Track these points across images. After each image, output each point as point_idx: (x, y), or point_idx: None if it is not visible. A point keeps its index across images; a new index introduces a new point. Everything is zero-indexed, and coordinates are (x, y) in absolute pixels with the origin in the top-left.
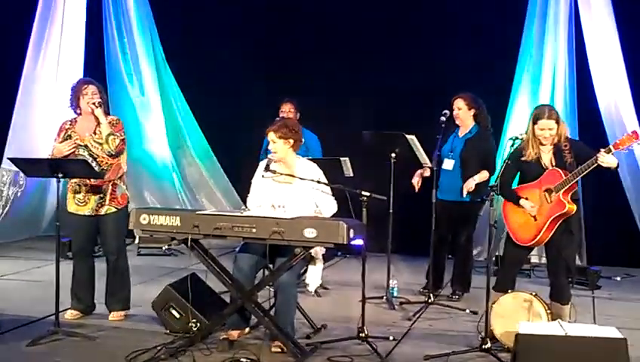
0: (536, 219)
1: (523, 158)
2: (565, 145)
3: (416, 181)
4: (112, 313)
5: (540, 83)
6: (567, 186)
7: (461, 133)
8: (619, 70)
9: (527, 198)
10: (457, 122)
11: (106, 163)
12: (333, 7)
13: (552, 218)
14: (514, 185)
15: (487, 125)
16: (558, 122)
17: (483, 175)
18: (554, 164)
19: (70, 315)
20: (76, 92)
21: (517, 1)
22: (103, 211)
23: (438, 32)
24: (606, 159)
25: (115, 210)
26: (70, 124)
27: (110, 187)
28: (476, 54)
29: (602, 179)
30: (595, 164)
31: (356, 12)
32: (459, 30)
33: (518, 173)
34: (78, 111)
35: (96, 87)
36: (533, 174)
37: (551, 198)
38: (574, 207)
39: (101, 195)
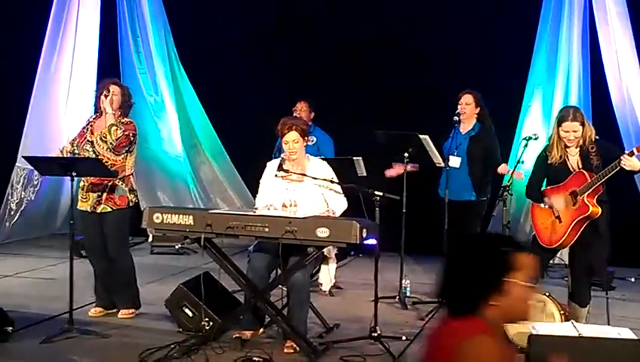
0: (561, 221)
1: (549, 161)
2: (592, 148)
3: (393, 173)
4: (121, 310)
5: (555, 84)
6: (592, 189)
7: (464, 129)
8: (633, 70)
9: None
10: (462, 117)
11: (106, 161)
12: (348, 8)
13: (575, 221)
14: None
15: (490, 125)
16: (583, 124)
17: (504, 168)
18: (580, 166)
19: (93, 312)
20: (99, 90)
21: (531, 2)
22: (99, 209)
23: (452, 34)
24: (629, 162)
25: (111, 210)
26: (93, 119)
27: (109, 186)
28: (490, 56)
29: (615, 179)
30: (619, 167)
31: (371, 12)
32: (472, 31)
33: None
34: (100, 110)
35: (119, 88)
36: (560, 177)
37: (576, 201)
38: (599, 210)
39: (99, 193)
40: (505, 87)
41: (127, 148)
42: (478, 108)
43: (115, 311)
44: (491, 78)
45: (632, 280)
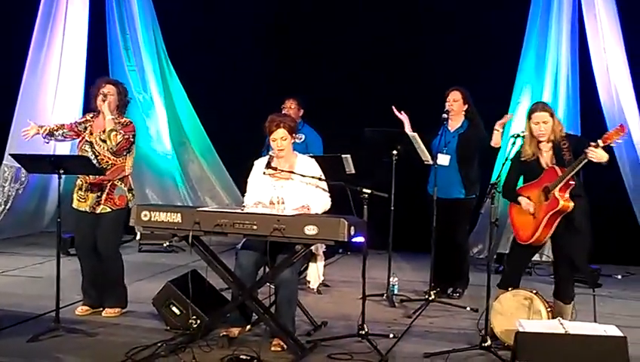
0: (535, 218)
1: (523, 159)
2: (564, 143)
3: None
4: (106, 309)
5: (543, 83)
6: (563, 183)
7: (452, 127)
8: (621, 69)
9: (529, 198)
10: (450, 115)
11: (107, 161)
12: (339, 6)
13: (547, 216)
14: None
15: (479, 122)
16: (552, 116)
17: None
18: (554, 162)
19: (80, 311)
20: (95, 90)
21: (519, 1)
22: (99, 210)
23: (440, 33)
24: (595, 154)
25: (110, 210)
26: (91, 117)
27: (108, 187)
28: (479, 55)
29: (603, 177)
30: (586, 160)
31: (361, 11)
32: (462, 30)
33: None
34: (97, 110)
35: (114, 88)
36: (533, 174)
37: (548, 197)
38: (569, 204)
39: (99, 194)
40: (493, 85)
41: (127, 150)
42: (466, 105)
43: (102, 309)
44: (480, 76)
45: (619, 277)
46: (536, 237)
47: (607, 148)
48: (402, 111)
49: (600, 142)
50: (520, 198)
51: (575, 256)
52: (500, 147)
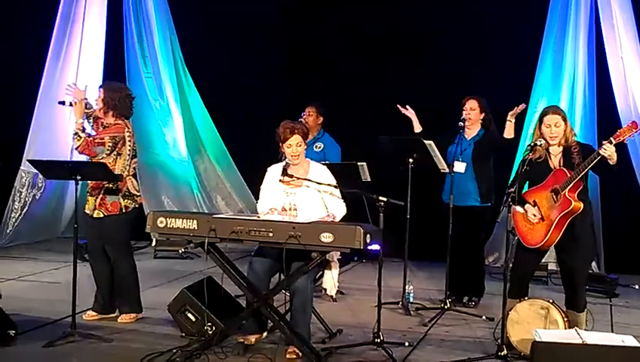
0: (544, 220)
1: (531, 158)
2: (574, 148)
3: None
4: (121, 315)
5: (560, 92)
6: (572, 183)
7: (468, 135)
8: (639, 77)
9: (535, 201)
10: (467, 123)
11: None
12: (356, 14)
13: (559, 216)
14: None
15: (494, 130)
16: (565, 120)
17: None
18: (562, 165)
19: (87, 316)
20: None
21: (537, 9)
22: (95, 214)
23: (459, 43)
24: (609, 150)
25: (103, 216)
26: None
27: (102, 191)
28: (495, 64)
29: (620, 186)
30: (599, 156)
31: (379, 20)
32: (479, 40)
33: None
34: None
35: (102, 91)
36: (541, 177)
37: (558, 198)
38: (580, 205)
39: (95, 198)
40: (510, 96)
41: (107, 152)
42: (483, 114)
43: (112, 315)
44: (496, 87)
45: (636, 287)
46: (547, 240)
47: (622, 155)
48: (407, 107)
49: (612, 138)
50: (526, 206)
51: (575, 270)
52: (516, 158)
